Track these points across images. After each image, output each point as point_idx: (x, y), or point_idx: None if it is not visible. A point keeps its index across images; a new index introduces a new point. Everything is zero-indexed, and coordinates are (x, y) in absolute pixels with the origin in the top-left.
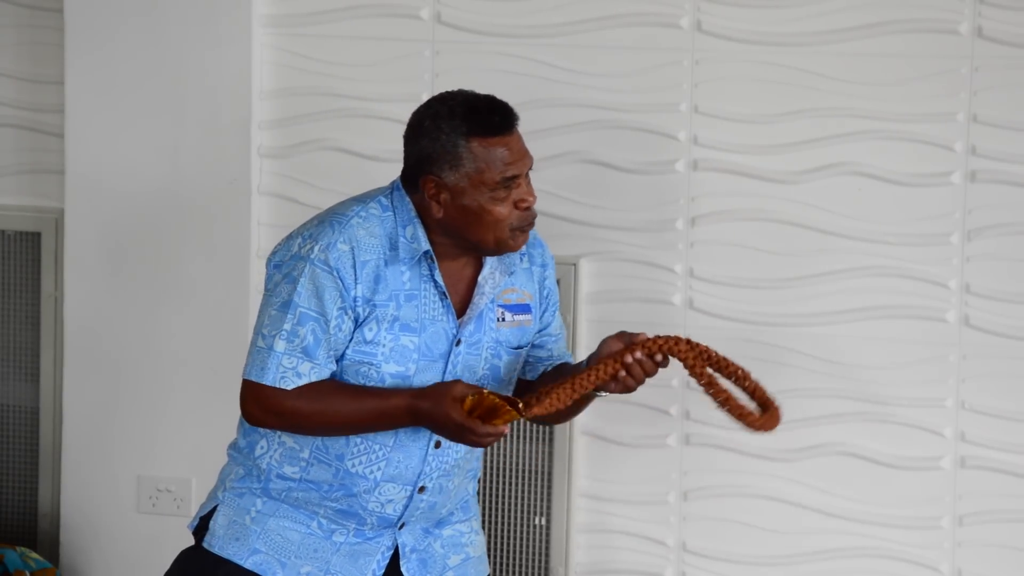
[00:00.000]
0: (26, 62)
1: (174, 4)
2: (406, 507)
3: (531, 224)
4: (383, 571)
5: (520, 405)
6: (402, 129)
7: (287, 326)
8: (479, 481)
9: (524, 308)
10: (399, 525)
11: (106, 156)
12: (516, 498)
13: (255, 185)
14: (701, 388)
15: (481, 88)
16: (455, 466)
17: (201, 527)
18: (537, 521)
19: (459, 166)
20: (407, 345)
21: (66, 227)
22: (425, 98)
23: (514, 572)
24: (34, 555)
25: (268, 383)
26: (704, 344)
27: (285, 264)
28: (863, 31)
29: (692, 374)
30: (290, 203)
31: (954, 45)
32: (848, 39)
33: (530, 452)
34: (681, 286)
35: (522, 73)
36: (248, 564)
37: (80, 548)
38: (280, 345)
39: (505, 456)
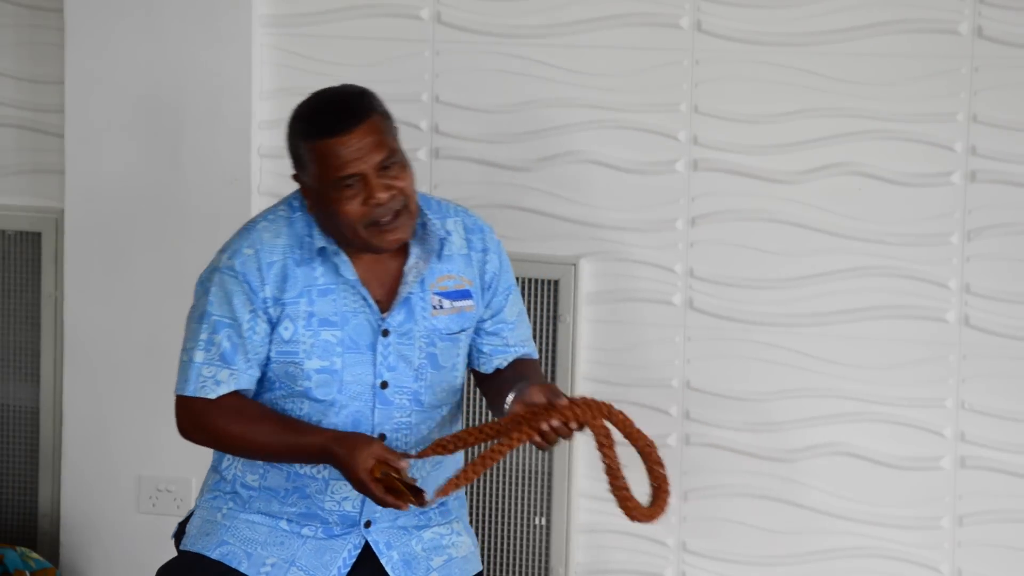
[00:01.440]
0: (26, 62)
1: (174, 4)
2: (363, 503)
3: (395, 219)
4: (349, 568)
5: (424, 495)
6: (403, 129)
7: (203, 336)
8: (478, 480)
9: (463, 294)
10: (365, 524)
11: (106, 156)
12: (516, 498)
13: (255, 185)
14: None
15: (481, 88)
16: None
17: (180, 533)
18: (537, 521)
19: (306, 168)
20: (329, 339)
21: (66, 227)
22: (425, 98)
23: (514, 572)
24: (34, 555)
25: (190, 394)
26: (623, 413)
27: (204, 279)
28: (863, 31)
29: (599, 449)
30: None
31: (954, 45)
32: (848, 39)
33: (530, 452)
34: (681, 286)
35: (522, 73)
36: (215, 555)
37: (80, 548)
38: (199, 356)
39: (505, 456)
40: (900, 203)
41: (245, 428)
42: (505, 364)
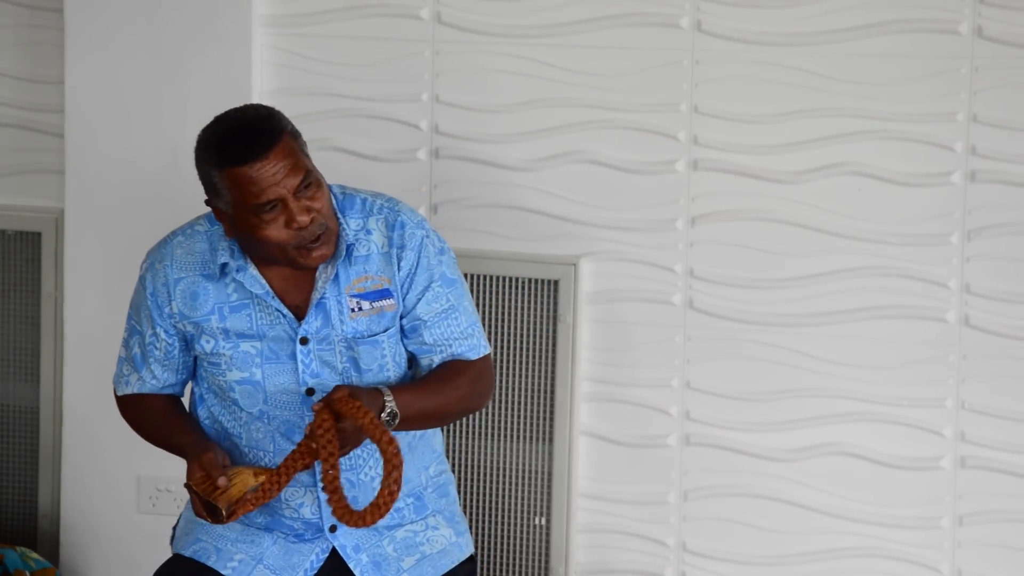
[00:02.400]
0: (26, 62)
1: (174, 4)
2: (321, 507)
3: (315, 241)
4: (316, 570)
5: (222, 512)
6: (403, 129)
7: (125, 335)
8: (478, 480)
9: (383, 293)
10: (330, 528)
11: (106, 156)
12: (516, 498)
13: None
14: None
15: (481, 88)
16: (358, 458)
17: (173, 536)
18: (537, 521)
19: (220, 195)
20: (249, 351)
21: (66, 227)
22: (425, 98)
23: (514, 572)
24: (34, 555)
25: (113, 383)
26: (354, 405)
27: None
28: (863, 31)
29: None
30: None
31: (954, 45)
32: (848, 39)
33: (530, 452)
34: (681, 286)
35: (522, 73)
36: (188, 552)
37: (80, 548)
38: (122, 351)
39: (505, 456)
40: (900, 203)
41: (140, 421)
42: (434, 365)
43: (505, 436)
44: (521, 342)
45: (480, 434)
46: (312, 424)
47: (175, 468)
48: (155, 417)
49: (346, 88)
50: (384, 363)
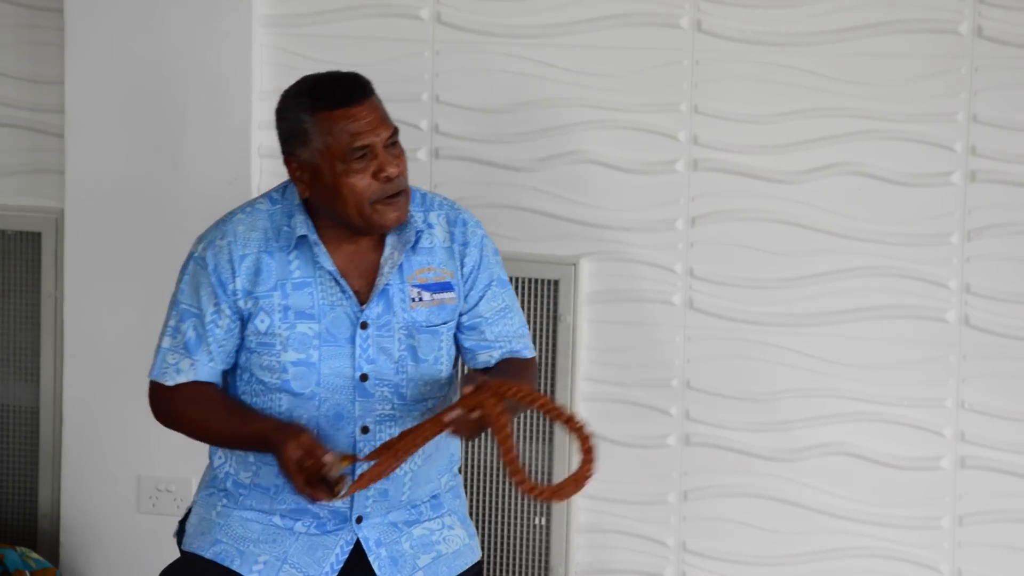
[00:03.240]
0: (26, 62)
1: (174, 4)
2: (352, 497)
3: (397, 197)
4: (341, 565)
5: (336, 490)
6: (403, 129)
7: (172, 323)
8: (478, 480)
9: (445, 286)
10: (356, 519)
11: (106, 156)
12: (516, 498)
13: (255, 185)
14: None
15: (481, 88)
16: None
17: (181, 531)
18: (537, 521)
19: (309, 142)
20: (306, 332)
21: (66, 227)
22: (425, 98)
23: (514, 572)
24: (34, 555)
25: (153, 378)
26: (527, 388)
27: (183, 265)
28: (863, 31)
29: (496, 433)
30: None
31: (954, 45)
32: (848, 39)
33: (530, 452)
34: (681, 286)
35: (522, 73)
36: (209, 554)
37: (80, 548)
38: (166, 342)
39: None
40: (900, 203)
41: (200, 414)
42: (492, 361)
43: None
44: None
45: (480, 434)
46: (486, 409)
47: (175, 468)
48: (219, 407)
49: None
50: (439, 355)
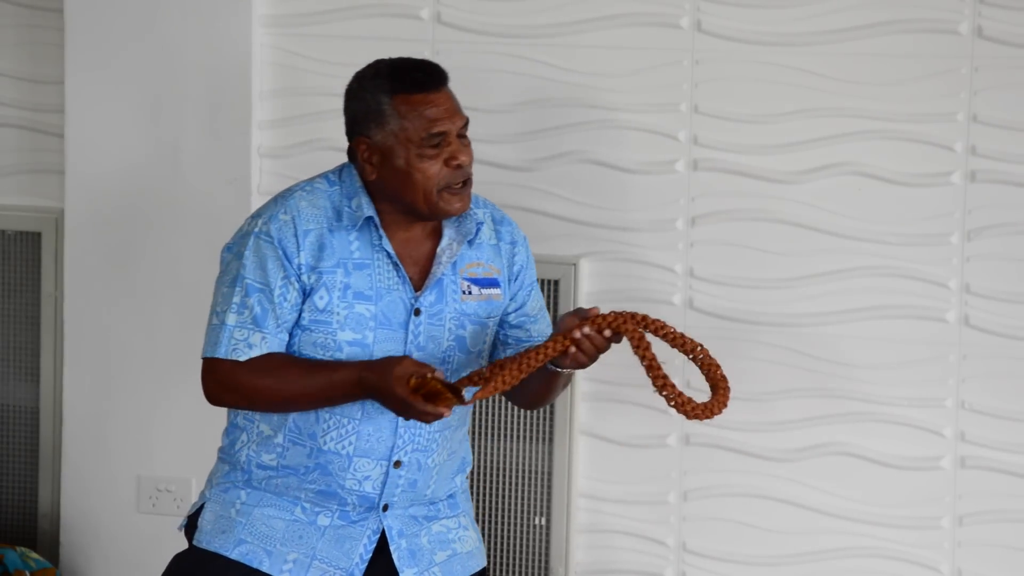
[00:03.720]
0: (26, 62)
1: (174, 4)
2: (384, 484)
3: (464, 187)
4: (370, 555)
5: (462, 392)
6: None
7: (236, 299)
8: (478, 480)
9: (492, 282)
10: (383, 507)
11: (106, 156)
12: (516, 498)
13: (255, 185)
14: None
15: (481, 88)
16: (431, 440)
17: (191, 527)
18: (537, 521)
19: (385, 124)
20: (363, 313)
21: (66, 227)
22: None
23: (514, 572)
24: (34, 555)
25: (221, 356)
26: (661, 320)
27: (235, 244)
28: (863, 31)
29: (636, 353)
30: None
31: (954, 45)
32: (848, 39)
33: (530, 452)
34: (681, 286)
35: (522, 73)
36: (234, 555)
37: (80, 548)
38: (231, 319)
39: (505, 456)
40: (900, 203)
41: (276, 379)
42: None
43: (505, 436)
44: None
45: (480, 434)
46: (626, 327)
47: (175, 468)
48: (294, 366)
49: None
50: (482, 348)
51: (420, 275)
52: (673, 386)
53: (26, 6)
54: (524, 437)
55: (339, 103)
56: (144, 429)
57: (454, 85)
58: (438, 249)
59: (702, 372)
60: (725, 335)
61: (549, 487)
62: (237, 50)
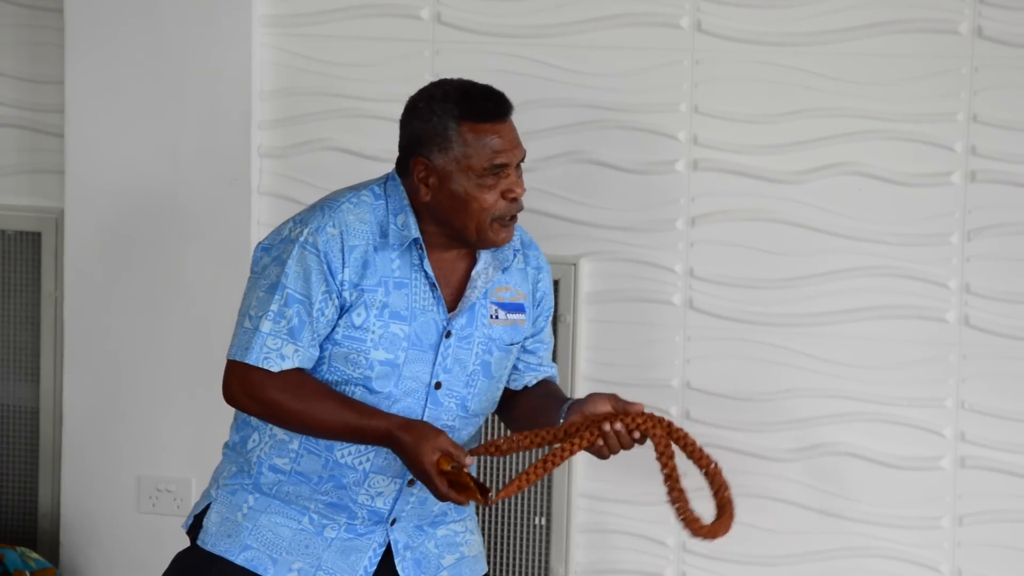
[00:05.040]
0: (26, 62)
1: (174, 4)
2: (396, 501)
3: (515, 218)
4: (375, 568)
5: (490, 493)
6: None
7: (274, 307)
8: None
9: (518, 307)
10: (391, 521)
11: (106, 156)
12: (516, 498)
13: (255, 185)
14: (662, 478)
15: None
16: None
17: (195, 526)
18: (537, 521)
19: (448, 149)
20: (397, 333)
21: (66, 227)
22: None
23: (514, 572)
24: (34, 555)
25: (252, 362)
26: (684, 430)
27: (275, 247)
28: (863, 31)
29: (659, 460)
30: (290, 203)
31: (954, 45)
32: (848, 39)
33: (530, 452)
34: (681, 286)
35: (522, 73)
36: (239, 560)
37: (80, 548)
38: (266, 326)
39: (505, 456)
40: (900, 203)
41: (306, 405)
42: (534, 383)
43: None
44: None
45: (480, 434)
46: (655, 434)
47: (175, 468)
48: (327, 398)
49: (346, 88)
50: (503, 374)
51: (453, 297)
52: (687, 502)
53: (26, 6)
54: None
55: (339, 103)
56: (144, 429)
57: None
58: (473, 272)
59: (711, 490)
60: (724, 335)
61: (549, 487)
62: (237, 50)
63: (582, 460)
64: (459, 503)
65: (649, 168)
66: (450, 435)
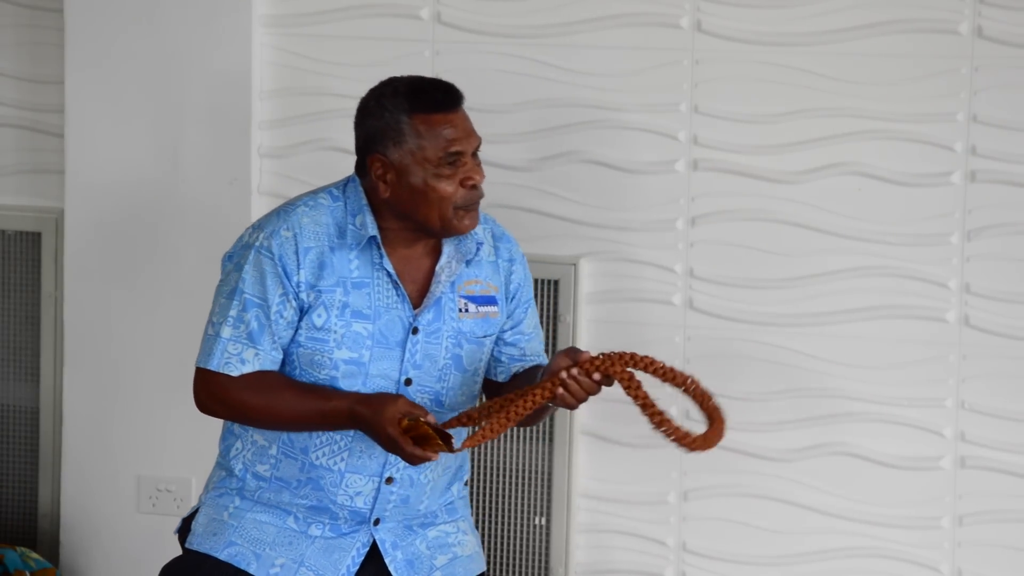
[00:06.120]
0: (26, 62)
1: (174, 4)
2: (375, 500)
3: (476, 204)
4: (358, 567)
5: (452, 440)
6: None
7: (233, 312)
8: (478, 481)
9: (489, 300)
10: (374, 521)
11: (106, 156)
12: (516, 498)
13: (255, 185)
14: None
15: (481, 88)
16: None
17: (184, 530)
18: (537, 521)
19: (402, 143)
20: (360, 331)
21: (66, 227)
22: None
23: (514, 572)
24: (34, 555)
25: (213, 368)
26: (649, 357)
27: (236, 254)
28: (863, 31)
29: (628, 394)
30: None
31: (954, 45)
32: (848, 39)
33: (530, 452)
34: (681, 286)
35: (522, 73)
36: (223, 556)
37: (80, 548)
38: (226, 331)
39: (505, 456)
40: (900, 203)
41: (268, 398)
42: (523, 372)
43: (505, 436)
44: None
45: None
46: (615, 368)
47: (175, 468)
48: (288, 388)
49: (346, 88)
50: (478, 366)
51: (418, 293)
52: (670, 421)
53: (26, 6)
54: (524, 437)
55: (339, 103)
56: (144, 429)
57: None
58: (437, 267)
59: (696, 404)
60: (725, 335)
61: (549, 487)
62: (237, 50)
63: (582, 460)
64: (428, 459)
65: (649, 168)
66: None
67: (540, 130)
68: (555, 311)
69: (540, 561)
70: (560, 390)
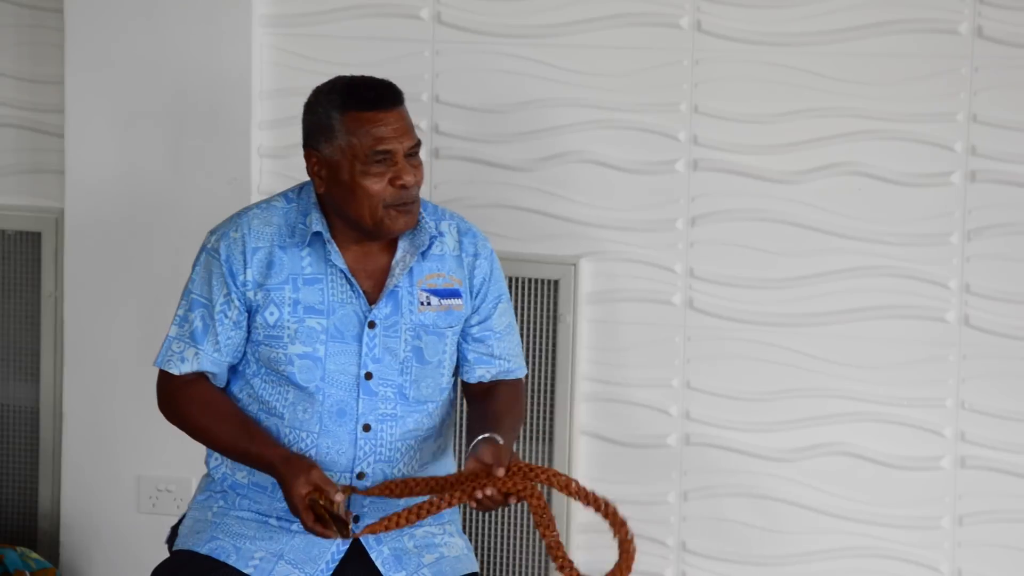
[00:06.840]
0: (26, 62)
1: (174, 4)
2: (350, 499)
3: (409, 205)
4: (336, 564)
5: (349, 527)
6: None
7: (180, 311)
8: None
9: (452, 292)
10: (354, 518)
11: (106, 156)
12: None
13: (255, 185)
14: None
15: (481, 88)
16: (395, 451)
17: (173, 536)
18: None
19: (333, 139)
20: (314, 327)
21: (66, 227)
22: (425, 98)
23: (514, 572)
24: (34, 555)
25: (158, 365)
26: (565, 476)
27: (196, 258)
28: (863, 31)
29: (534, 516)
30: None
31: (954, 45)
32: (848, 39)
33: (530, 452)
34: (681, 286)
35: (522, 73)
36: (204, 550)
37: (80, 548)
38: (173, 330)
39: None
40: (900, 203)
41: (209, 422)
42: (488, 377)
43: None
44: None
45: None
46: (525, 493)
47: (175, 468)
48: (228, 420)
49: None
50: (443, 359)
51: (376, 288)
52: (571, 564)
53: (26, 6)
54: (524, 437)
55: None
56: (144, 429)
57: (455, 84)
58: (392, 262)
59: (611, 529)
60: (725, 335)
61: (549, 487)
62: (237, 50)
63: (582, 460)
64: (324, 536)
65: (649, 168)
66: (392, 423)
67: (540, 130)
68: (555, 311)
69: (540, 561)
70: (473, 503)
